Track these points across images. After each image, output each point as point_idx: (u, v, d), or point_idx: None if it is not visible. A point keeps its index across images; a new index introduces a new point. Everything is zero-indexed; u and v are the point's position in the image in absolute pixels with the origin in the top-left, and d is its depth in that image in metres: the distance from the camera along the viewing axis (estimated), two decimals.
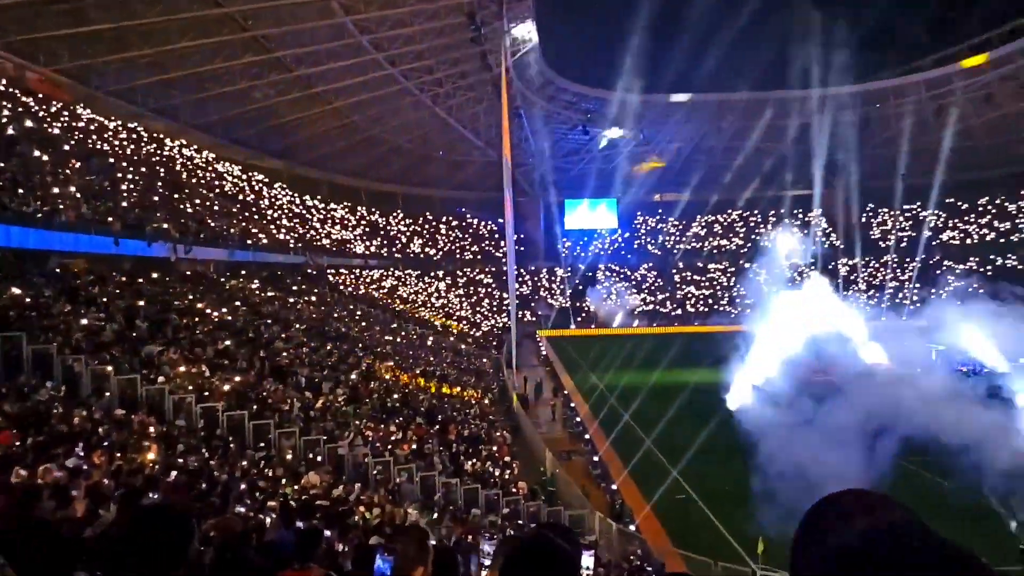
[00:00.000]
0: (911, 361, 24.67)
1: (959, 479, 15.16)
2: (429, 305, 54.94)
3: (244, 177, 45.10)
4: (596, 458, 21.96)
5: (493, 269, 64.93)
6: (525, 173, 68.50)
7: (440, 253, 66.33)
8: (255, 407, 14.61)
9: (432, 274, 62.41)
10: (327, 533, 6.94)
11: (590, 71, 54.27)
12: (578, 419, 26.83)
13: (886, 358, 22.43)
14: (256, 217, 40.42)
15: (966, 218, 66.76)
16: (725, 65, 53.48)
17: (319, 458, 13.64)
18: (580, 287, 65.46)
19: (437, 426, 20.78)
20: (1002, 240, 62.20)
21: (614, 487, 19.16)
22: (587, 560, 2.47)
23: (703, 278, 67.95)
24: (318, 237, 50.14)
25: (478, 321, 55.47)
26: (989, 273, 57.13)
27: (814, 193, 68.03)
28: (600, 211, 74.56)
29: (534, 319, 60.36)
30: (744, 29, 64.37)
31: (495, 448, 21.12)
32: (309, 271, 42.58)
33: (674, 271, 69.08)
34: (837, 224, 72.01)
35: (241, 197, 41.78)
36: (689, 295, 65.87)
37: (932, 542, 0.82)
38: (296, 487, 11.09)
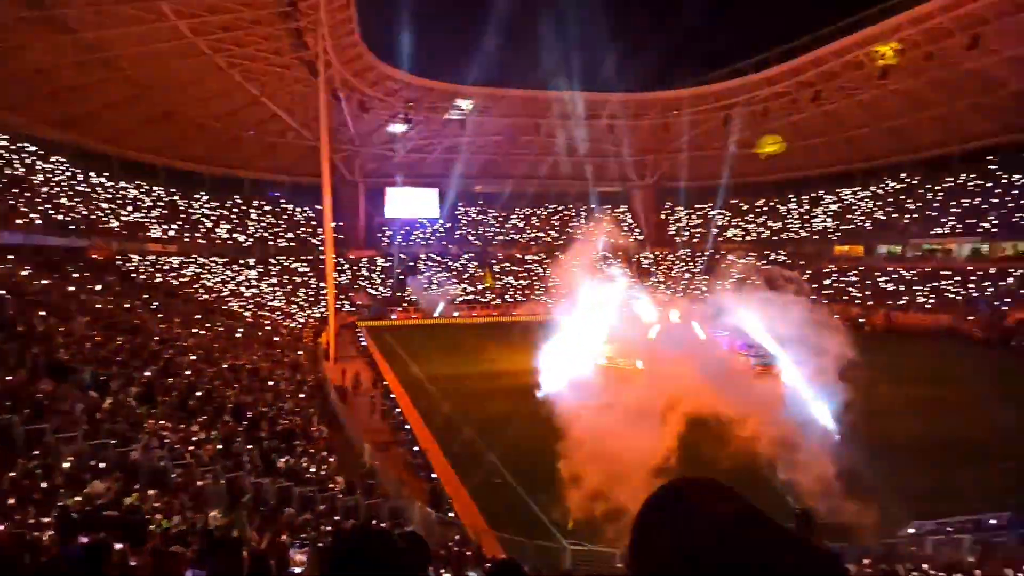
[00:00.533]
0: (699, 344, 27.34)
1: (736, 447, 17.06)
2: (238, 295, 51.56)
3: (13, 148, 39.29)
4: (416, 448, 21.93)
5: (310, 257, 62.30)
6: (345, 158, 66.44)
7: (251, 239, 62.44)
8: (27, 410, 12.81)
9: (241, 262, 58.55)
10: (118, 546, 6.25)
11: (415, 58, 53.38)
12: (398, 410, 26.61)
13: (680, 343, 24.71)
14: (28, 194, 35.40)
15: (746, 217, 75.09)
16: (547, 62, 55.68)
17: (103, 464, 12.24)
18: (401, 276, 64.92)
19: (246, 423, 19.56)
20: (774, 238, 70.73)
21: (433, 475, 19.26)
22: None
23: (521, 268, 70.24)
24: (105, 219, 44.99)
25: (293, 312, 53.01)
26: (764, 266, 64.76)
27: (621, 190, 73.34)
28: (422, 200, 74.26)
29: (353, 309, 58.92)
30: (568, 28, 67.11)
31: (310, 443, 20.34)
32: (94, 256, 38.12)
33: (493, 261, 70.73)
34: (640, 220, 78.09)
35: (8, 172, 36.37)
36: (508, 285, 67.84)
37: (779, 534, 0.84)
38: (78, 497, 9.87)
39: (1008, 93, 49.53)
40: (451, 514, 16.42)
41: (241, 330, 38.77)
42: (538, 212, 78.18)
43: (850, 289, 57.31)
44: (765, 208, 74.40)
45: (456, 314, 61.09)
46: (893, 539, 13.90)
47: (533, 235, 75.86)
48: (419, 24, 50.06)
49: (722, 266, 64.73)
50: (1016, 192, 51.38)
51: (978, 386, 27.08)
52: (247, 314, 47.32)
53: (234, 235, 61.48)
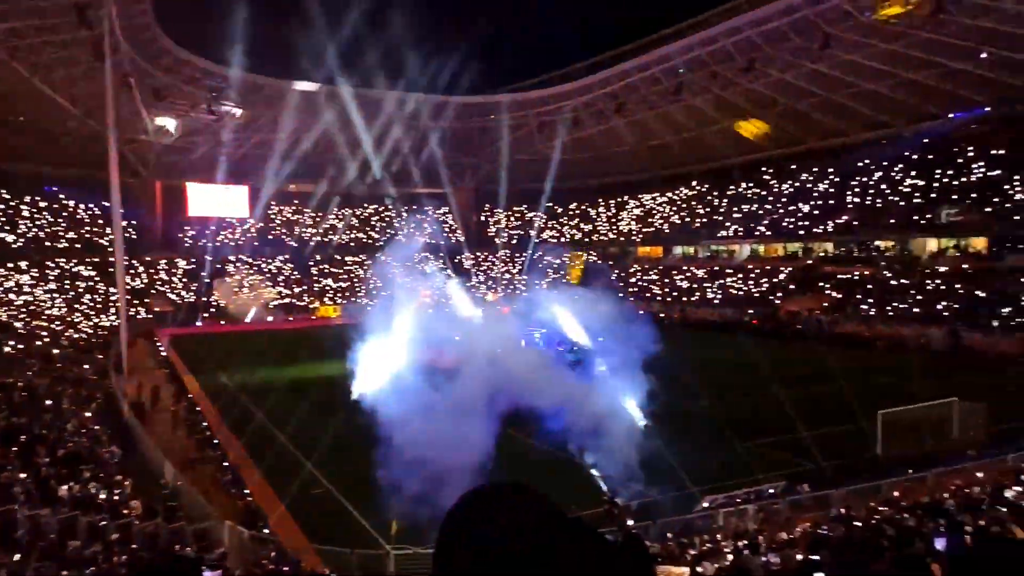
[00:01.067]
0: (518, 342, 28.24)
1: (551, 439, 17.85)
2: (6, 303, 45.00)
3: None
4: (226, 464, 20.43)
5: (96, 260, 55.82)
6: (138, 151, 60.36)
7: (22, 240, 54.74)
8: None
9: (11, 265, 51.10)
10: None
11: (221, 46, 49.67)
12: (204, 424, 24.63)
13: (500, 341, 25.30)
14: None
15: (561, 220, 78.90)
16: (372, 62, 54.31)
17: None
18: (207, 280, 60.26)
19: (17, 447, 17.07)
20: (586, 240, 75.02)
21: (246, 492, 18.06)
22: None
23: (341, 270, 68.25)
24: None
25: (77, 321, 47.22)
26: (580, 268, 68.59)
27: (443, 191, 73.79)
28: (229, 198, 69.50)
29: (150, 316, 53.76)
30: (392, 30, 66.04)
31: (100, 466, 18.19)
32: None
33: (311, 263, 68.04)
34: (460, 222, 79.07)
35: None
36: (327, 287, 65.59)
37: (575, 530, 0.86)
38: None
39: (777, 112, 56.59)
40: (266, 531, 15.48)
41: (12, 343, 33.85)
42: (357, 213, 76.45)
43: (651, 287, 62.24)
44: (577, 212, 78.63)
45: (270, 319, 57.97)
46: (690, 515, 15.25)
47: (353, 236, 74.04)
48: (224, 7, 46.55)
49: (539, 266, 67.51)
50: (785, 200, 58.76)
51: (756, 371, 30.54)
52: (18, 325, 41.44)
53: (1, 234, 53.59)
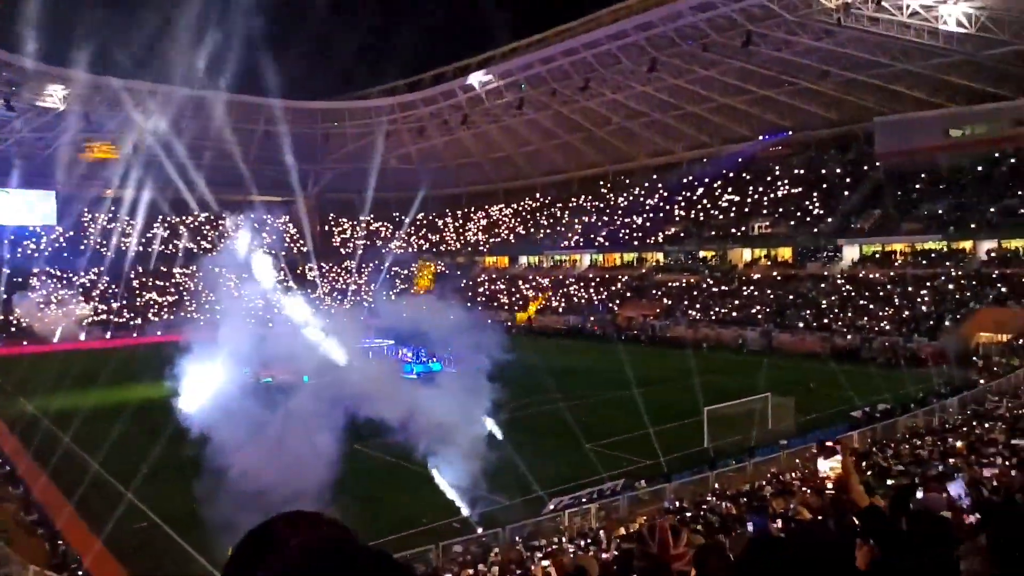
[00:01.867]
0: (362, 355, 27.57)
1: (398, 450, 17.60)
2: None
3: None
4: (30, 500, 18.09)
5: None
6: None
7: None
8: None
9: None
10: None
11: (29, 37, 44.20)
12: (2, 459, 21.68)
13: (344, 354, 24.52)
14: None
15: (407, 230, 78.18)
16: (202, 60, 50.38)
17: None
18: (5, 295, 53.25)
19: None
20: (433, 249, 74.88)
21: (56, 530, 16.07)
22: None
23: (168, 283, 63.08)
24: None
25: None
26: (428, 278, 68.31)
27: (284, 200, 70.55)
28: (32, 204, 62.09)
29: None
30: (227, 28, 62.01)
31: None
32: None
33: (132, 276, 62.20)
34: (304, 231, 75.81)
35: None
36: (151, 302, 60.30)
37: (353, 552, 0.87)
38: None
39: (612, 129, 59.99)
40: (79, 573, 13.85)
41: None
42: (186, 221, 71.03)
43: (499, 295, 63.37)
44: (424, 221, 78.37)
45: (82, 338, 52.27)
46: (538, 517, 15.60)
47: (183, 246, 68.67)
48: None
49: (387, 276, 66.45)
50: (620, 212, 62.27)
51: (597, 375, 31.96)
52: None
53: None
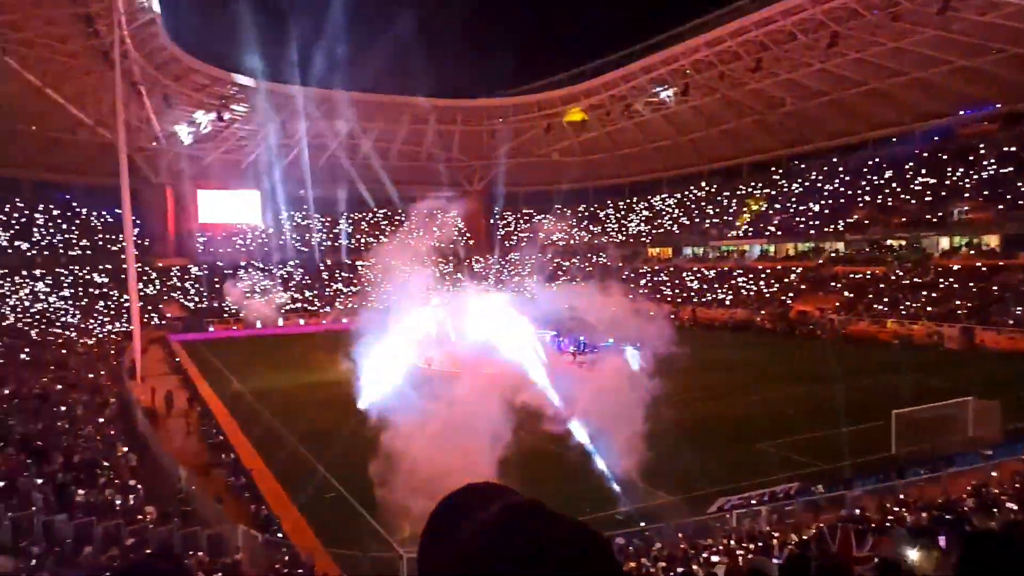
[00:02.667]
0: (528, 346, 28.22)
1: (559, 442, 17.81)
2: (22, 311, 45.46)
3: None
4: (239, 469, 20.53)
5: (109, 267, 56.25)
6: (149, 159, 60.85)
7: (36, 248, 55.27)
8: None
9: (26, 273, 51.61)
10: None
11: (229, 52, 50.10)
12: (216, 430, 24.77)
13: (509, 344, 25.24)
14: None
15: (569, 222, 78.76)
16: (379, 66, 54.50)
17: None
18: (218, 285, 60.56)
19: (33, 455, 17.23)
20: (595, 241, 74.77)
21: (259, 496, 18.14)
22: None
23: (352, 275, 68.38)
24: None
25: (91, 328, 47.61)
26: (589, 269, 68.48)
27: (451, 195, 73.72)
28: (241, 204, 69.91)
29: (163, 322, 54.10)
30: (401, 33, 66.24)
31: (115, 472, 18.33)
32: None
33: (322, 268, 68.21)
34: (473, 225, 78.89)
35: None
36: (339, 292, 65.76)
37: (545, 520, 0.87)
38: None
39: (786, 111, 56.33)
40: (279, 535, 15.54)
41: (27, 350, 34.18)
42: (367, 217, 76.60)
43: (662, 287, 62.04)
44: (586, 213, 78.47)
45: (281, 323, 58.18)
46: (702, 515, 15.19)
47: (363, 240, 74.16)
48: (234, 14, 47.04)
49: (549, 269, 67.46)
50: (795, 199, 58.47)
51: (769, 371, 30.41)
52: (33, 332, 41.88)
53: (15, 242, 54.12)
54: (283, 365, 37.63)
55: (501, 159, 71.87)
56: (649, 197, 74.40)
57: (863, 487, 16.12)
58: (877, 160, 53.35)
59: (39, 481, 15.61)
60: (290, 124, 61.10)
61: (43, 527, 12.90)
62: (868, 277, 48.07)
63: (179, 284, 60.80)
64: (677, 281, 62.19)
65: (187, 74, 50.84)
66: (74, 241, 58.26)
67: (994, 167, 45.39)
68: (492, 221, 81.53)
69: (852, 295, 47.19)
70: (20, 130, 50.31)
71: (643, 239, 71.14)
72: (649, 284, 63.56)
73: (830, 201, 55.09)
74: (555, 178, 74.39)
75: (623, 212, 76.03)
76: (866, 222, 50.93)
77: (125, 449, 21.09)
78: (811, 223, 55.05)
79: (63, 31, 39.77)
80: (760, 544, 12.76)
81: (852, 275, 49.23)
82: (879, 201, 51.31)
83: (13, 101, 45.42)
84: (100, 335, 46.65)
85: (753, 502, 15.54)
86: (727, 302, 55.42)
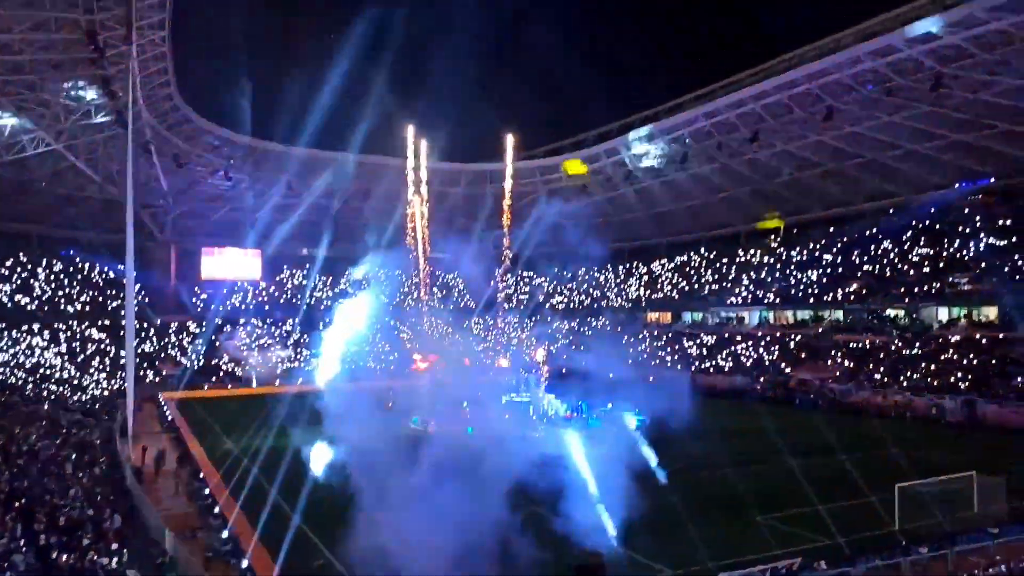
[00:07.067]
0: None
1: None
2: (17, 366, 45.21)
3: None
4: (226, 532, 20.00)
5: (108, 323, 56.27)
6: (155, 216, 61.67)
7: (36, 302, 55.36)
8: None
9: (24, 328, 51.55)
10: None
11: (238, 114, 51.38)
12: (207, 491, 24.25)
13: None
14: None
15: (569, 285, 79.07)
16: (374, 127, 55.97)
17: None
18: (216, 343, 60.39)
19: (17, 514, 16.84)
20: (595, 305, 74.93)
21: (244, 562, 17.61)
22: None
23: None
24: None
25: (85, 384, 47.24)
26: (589, 334, 68.59)
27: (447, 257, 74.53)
28: (242, 261, 70.43)
29: (157, 379, 53.68)
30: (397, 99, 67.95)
31: (100, 534, 17.86)
32: None
33: (321, 326, 68.02)
34: (471, 284, 79.12)
35: None
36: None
37: None
38: None
39: (783, 181, 57.31)
40: None
41: (21, 407, 33.80)
42: (367, 277, 76.89)
43: (661, 352, 61.78)
44: (586, 276, 78.82)
45: (278, 384, 57.68)
46: None
47: (366, 299, 74.20)
48: (243, 76, 48.49)
49: (549, 331, 67.42)
50: (792, 267, 58.84)
51: (769, 441, 29.94)
52: (28, 387, 41.52)
53: (16, 297, 54.25)
54: (277, 424, 37.10)
55: (503, 221, 72.68)
56: (648, 262, 74.91)
57: (867, 564, 15.66)
58: (875, 230, 53.94)
59: (22, 542, 15.22)
60: (296, 183, 62.09)
61: None
62: (868, 347, 47.94)
63: (177, 341, 60.60)
64: (677, 346, 61.99)
65: (198, 135, 52.04)
66: (75, 296, 58.38)
67: (991, 239, 45.84)
68: (492, 282, 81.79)
69: (852, 364, 46.96)
70: (33, 187, 51.17)
71: (642, 304, 71.27)
72: (648, 349, 63.33)
73: (828, 270, 55.43)
74: (555, 240, 75.03)
75: (623, 276, 76.42)
76: (864, 291, 51.14)
77: (111, 510, 20.62)
78: (810, 291, 55.26)
79: (80, 92, 40.88)
80: None
81: (852, 344, 49.12)
82: (877, 271, 51.63)
83: (27, 158, 46.36)
84: (95, 392, 46.21)
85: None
86: (726, 369, 55.10)
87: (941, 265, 47.55)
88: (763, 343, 55.70)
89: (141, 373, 49.96)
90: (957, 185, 49.40)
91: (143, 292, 59.61)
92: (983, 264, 45.03)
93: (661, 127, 55.03)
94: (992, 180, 47.73)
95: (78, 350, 52.58)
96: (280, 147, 57.82)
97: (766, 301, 58.77)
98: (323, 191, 65.76)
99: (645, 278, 73.81)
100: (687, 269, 70.26)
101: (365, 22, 43.25)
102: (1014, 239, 44.39)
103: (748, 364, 54.11)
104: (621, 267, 77.09)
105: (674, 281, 70.24)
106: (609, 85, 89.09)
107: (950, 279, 46.40)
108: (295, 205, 66.65)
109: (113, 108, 41.77)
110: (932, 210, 50.51)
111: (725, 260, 66.67)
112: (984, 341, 42.21)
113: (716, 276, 65.98)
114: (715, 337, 60.49)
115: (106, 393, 46.27)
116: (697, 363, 57.88)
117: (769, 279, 59.72)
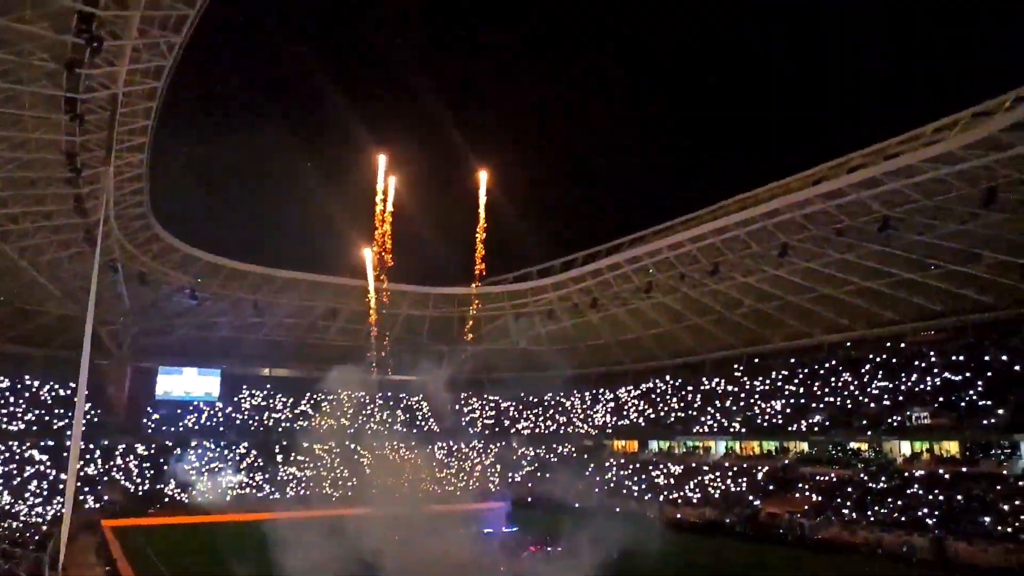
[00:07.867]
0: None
1: None
2: None
3: None
4: None
5: (50, 443, 53.48)
6: (114, 333, 60.31)
7: None
8: None
9: None
10: None
11: (209, 235, 52.03)
12: None
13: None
14: None
15: (535, 411, 78.21)
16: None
17: None
18: (164, 466, 57.50)
19: None
20: (560, 431, 73.90)
21: None
22: None
23: (307, 458, 65.66)
24: None
25: (17, 511, 44.12)
26: (555, 461, 67.18)
27: (416, 379, 73.78)
28: (200, 381, 68.50)
29: (97, 505, 50.46)
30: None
31: None
32: None
33: (277, 450, 65.54)
34: (435, 409, 77.89)
35: None
36: (291, 476, 62.71)
37: None
38: None
39: (744, 312, 58.86)
40: None
41: None
42: (329, 399, 75.23)
43: (627, 482, 60.40)
44: (552, 402, 78.20)
45: (229, 510, 54.59)
46: None
47: (323, 422, 72.17)
48: (214, 195, 49.48)
49: (513, 457, 65.90)
50: (757, 396, 59.21)
51: None
52: None
53: None
54: (225, 555, 34.69)
55: (468, 346, 72.74)
56: (615, 388, 74.80)
57: None
58: (834, 362, 55.08)
59: None
60: (262, 303, 61.85)
61: None
62: (835, 480, 47.60)
63: (123, 464, 57.56)
64: (644, 476, 60.78)
65: (166, 252, 52.02)
66: (17, 415, 55.67)
67: (946, 375, 46.99)
68: (457, 407, 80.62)
69: (820, 498, 46.38)
70: None
71: (608, 431, 70.46)
72: (614, 480, 61.97)
73: (791, 400, 55.88)
74: (523, 365, 75.23)
75: (588, 403, 75.95)
76: (827, 423, 51.43)
77: None
78: (775, 421, 55.38)
79: (51, 209, 40.98)
80: None
81: (819, 476, 48.74)
82: (839, 403, 52.19)
83: None
84: (26, 519, 43.10)
85: None
86: (694, 500, 53.91)
87: (900, 399, 48.34)
88: (731, 474, 54.94)
89: (81, 498, 46.99)
90: (909, 322, 51.17)
91: (92, 410, 57.24)
92: (940, 399, 45.94)
93: (624, 257, 56.84)
94: (942, 318, 49.61)
95: (15, 472, 49.49)
96: (249, 267, 58.04)
97: (731, 431, 58.60)
98: (289, 311, 65.69)
99: (611, 404, 73.38)
100: (653, 396, 70.11)
101: (339, 151, 44.96)
102: (967, 375, 45.62)
103: (716, 496, 53.06)
104: (587, 393, 76.76)
105: (640, 408, 69.87)
106: (574, 218, 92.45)
107: (910, 413, 47.02)
108: (260, 325, 66.13)
109: (83, 226, 41.84)
110: (887, 344, 52.02)
111: (690, 388, 66.86)
112: (947, 476, 42.29)
113: (682, 404, 65.91)
114: (682, 467, 59.59)
115: (40, 521, 43.15)
116: (665, 493, 56.57)
117: (734, 408, 59.88)
